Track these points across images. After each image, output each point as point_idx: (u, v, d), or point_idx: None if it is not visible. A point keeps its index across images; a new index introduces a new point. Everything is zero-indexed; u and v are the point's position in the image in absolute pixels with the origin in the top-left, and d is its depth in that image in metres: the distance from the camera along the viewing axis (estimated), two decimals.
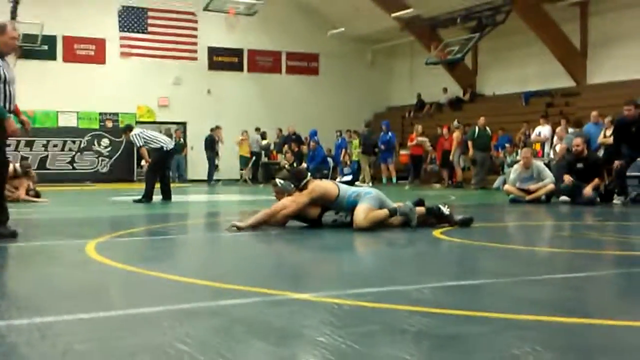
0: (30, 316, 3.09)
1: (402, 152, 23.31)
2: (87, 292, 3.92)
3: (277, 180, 7.56)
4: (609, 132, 13.44)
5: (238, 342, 2.62)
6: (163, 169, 12.70)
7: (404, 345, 2.58)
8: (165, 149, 12.30)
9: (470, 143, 18.67)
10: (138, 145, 12.51)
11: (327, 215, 7.39)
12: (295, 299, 3.49)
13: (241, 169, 24.43)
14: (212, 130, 23.73)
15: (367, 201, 7.08)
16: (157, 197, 12.20)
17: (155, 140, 12.34)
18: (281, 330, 2.82)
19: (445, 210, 7.48)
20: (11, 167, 12.41)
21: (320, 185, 7.31)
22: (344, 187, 7.39)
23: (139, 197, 12.13)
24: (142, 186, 12.52)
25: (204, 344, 2.58)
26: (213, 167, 23.48)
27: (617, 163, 11.73)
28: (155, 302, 3.45)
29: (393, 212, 7.08)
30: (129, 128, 12.99)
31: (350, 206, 7.13)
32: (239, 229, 6.80)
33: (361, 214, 6.93)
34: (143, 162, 13.00)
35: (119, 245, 6.16)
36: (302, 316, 3.10)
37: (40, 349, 2.52)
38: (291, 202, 7.18)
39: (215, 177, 23.74)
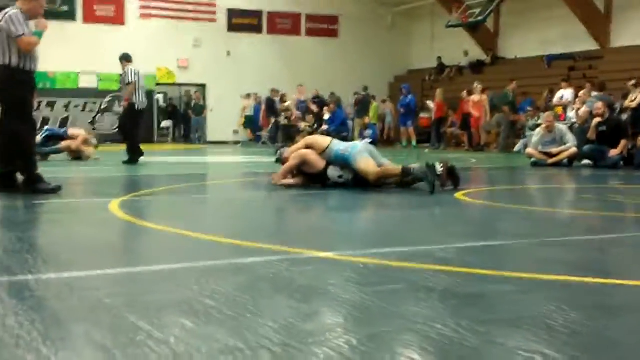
0: (58, 271, 3.12)
1: (422, 115, 23.18)
2: (113, 248, 3.96)
3: (276, 157, 7.73)
4: (633, 95, 13.28)
5: (264, 298, 2.63)
6: (137, 126, 12.15)
7: (430, 303, 2.58)
8: (137, 107, 11.87)
9: (506, 107, 18.43)
10: (128, 79, 11.84)
11: (332, 169, 7.32)
12: (319, 257, 3.50)
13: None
14: (272, 92, 23.60)
15: (363, 155, 7.13)
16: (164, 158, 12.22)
17: (138, 92, 11.82)
18: (306, 288, 2.83)
19: (439, 168, 7.35)
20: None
21: (312, 136, 7.49)
22: (335, 141, 7.48)
23: (127, 159, 11.77)
24: (163, 147, 12.59)
25: (230, 299, 2.59)
26: (276, 129, 23.21)
27: None
28: (180, 259, 3.48)
29: (407, 172, 7.04)
30: (126, 58, 12.25)
31: (338, 160, 7.21)
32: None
33: (370, 168, 7.02)
34: (123, 103, 12.32)
35: (142, 204, 6.20)
36: (327, 274, 3.11)
37: (69, 303, 2.55)
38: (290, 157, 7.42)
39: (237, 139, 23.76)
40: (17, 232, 4.26)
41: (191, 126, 25.51)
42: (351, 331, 2.24)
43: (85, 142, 12.96)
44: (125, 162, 11.67)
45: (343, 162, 7.22)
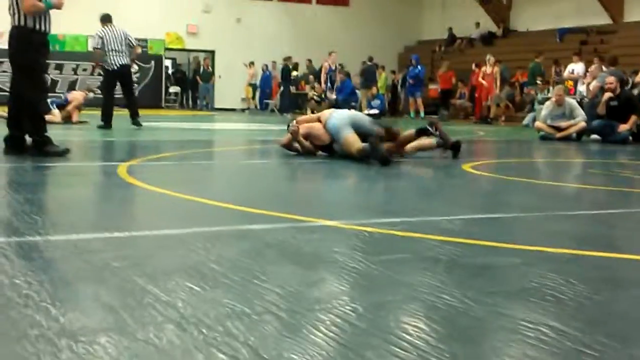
0: (67, 233, 3.14)
1: (431, 86, 23.08)
2: (121, 212, 3.98)
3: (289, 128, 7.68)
4: None
5: (270, 265, 2.64)
6: (110, 89, 11.82)
7: (436, 273, 2.58)
8: (109, 69, 11.52)
9: (540, 78, 18.24)
10: (93, 45, 11.53)
11: (336, 144, 7.32)
12: (326, 225, 3.51)
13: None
14: (285, 60, 23.44)
15: (345, 132, 6.99)
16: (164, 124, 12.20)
17: (110, 54, 11.39)
18: (312, 255, 2.84)
19: (433, 131, 7.41)
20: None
21: (326, 110, 7.48)
22: (336, 113, 7.32)
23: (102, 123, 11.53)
24: (170, 112, 12.57)
25: (236, 265, 2.60)
26: (287, 98, 23.10)
27: None
28: (187, 224, 3.49)
29: (362, 152, 6.82)
30: (102, 19, 11.71)
31: (332, 135, 7.09)
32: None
33: (351, 146, 6.89)
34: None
35: (149, 169, 6.21)
36: (333, 242, 3.11)
37: (77, 265, 2.56)
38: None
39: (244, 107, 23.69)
40: (26, 194, 4.27)
41: (199, 92, 25.47)
42: (357, 299, 2.25)
43: (79, 106, 12.94)
44: (99, 127, 11.38)
45: (333, 132, 7.11)
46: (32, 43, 6.37)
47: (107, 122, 11.46)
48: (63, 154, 6.47)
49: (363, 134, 6.99)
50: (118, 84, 11.85)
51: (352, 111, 7.55)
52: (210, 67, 25.19)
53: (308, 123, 7.36)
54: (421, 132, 7.33)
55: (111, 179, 5.21)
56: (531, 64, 18.95)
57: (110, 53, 11.41)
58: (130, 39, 11.62)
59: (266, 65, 25.02)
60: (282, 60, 23.72)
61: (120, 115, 12.22)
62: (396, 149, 7.22)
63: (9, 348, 1.71)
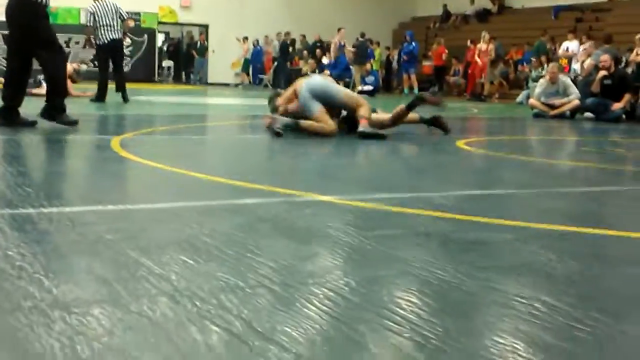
0: (60, 205, 3.13)
1: (425, 63, 23.01)
2: (114, 185, 3.97)
3: (270, 105, 7.57)
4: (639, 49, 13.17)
5: (264, 239, 2.64)
6: (105, 65, 11.73)
7: (429, 248, 2.59)
8: (100, 43, 11.50)
9: (543, 57, 18.14)
10: (86, 21, 11.50)
11: None
12: (319, 200, 3.51)
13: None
14: (284, 35, 23.30)
15: (313, 106, 6.89)
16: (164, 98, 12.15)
17: (101, 29, 11.37)
18: (306, 230, 2.84)
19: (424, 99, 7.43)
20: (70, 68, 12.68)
21: (300, 79, 7.38)
22: (310, 81, 7.19)
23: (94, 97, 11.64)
24: (162, 87, 12.54)
25: (230, 238, 2.60)
26: (284, 74, 22.93)
27: None
28: (180, 198, 3.48)
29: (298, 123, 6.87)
30: None
31: (301, 104, 6.98)
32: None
33: (321, 123, 6.86)
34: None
35: (142, 143, 6.19)
36: (326, 217, 3.11)
37: (70, 237, 2.56)
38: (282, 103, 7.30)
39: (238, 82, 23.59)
40: (18, 167, 4.26)
41: (194, 67, 25.33)
42: (350, 273, 2.25)
43: (70, 77, 12.87)
44: (91, 100, 11.46)
45: (307, 113, 6.98)
46: (38, 14, 6.40)
47: (100, 96, 11.43)
48: (74, 124, 6.71)
49: (333, 104, 6.94)
50: None
51: (327, 81, 7.33)
52: (205, 42, 25.04)
53: (287, 101, 7.26)
54: (411, 107, 7.29)
55: (104, 152, 5.19)
56: (536, 42, 18.80)
57: (102, 28, 11.35)
58: (121, 11, 11.52)
59: (257, 40, 24.89)
60: (283, 35, 23.59)
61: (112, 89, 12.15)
62: (390, 125, 7.21)
63: (2, 319, 1.71)
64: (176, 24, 26.32)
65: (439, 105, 7.46)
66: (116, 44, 11.56)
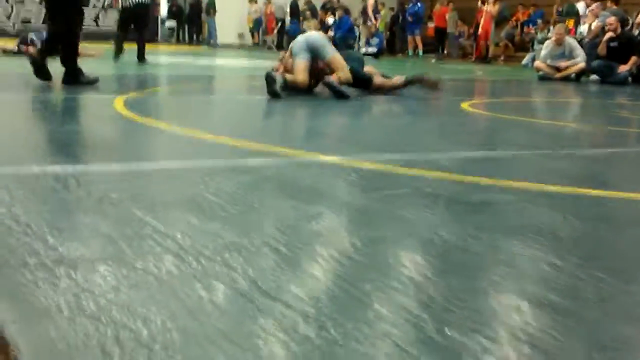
0: (64, 164, 3.12)
1: (430, 24, 22.81)
2: (118, 145, 3.96)
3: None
4: None
5: (268, 199, 2.64)
6: (124, 26, 12.03)
7: (434, 209, 2.58)
8: (125, 5, 11.74)
9: (572, 21, 17.83)
10: None
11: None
12: (324, 160, 3.50)
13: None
14: None
15: (297, 57, 7.00)
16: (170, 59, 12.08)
17: None
18: (311, 190, 2.83)
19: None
20: None
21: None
22: (300, 38, 7.30)
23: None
24: (165, 48, 12.51)
25: (235, 197, 2.60)
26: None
27: None
28: (184, 157, 3.47)
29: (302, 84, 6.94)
30: None
31: (295, 50, 7.09)
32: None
33: (298, 75, 6.92)
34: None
35: (146, 102, 6.16)
36: (332, 177, 3.10)
37: (75, 195, 2.56)
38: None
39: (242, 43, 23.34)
40: (21, 126, 4.24)
41: (208, 27, 24.95)
42: (355, 233, 2.25)
43: None
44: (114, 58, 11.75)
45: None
46: None
47: (116, 54, 11.68)
48: (94, 82, 6.94)
49: (320, 61, 7.01)
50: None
51: (326, 39, 7.42)
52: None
53: (285, 59, 7.31)
54: (409, 84, 7.45)
55: (108, 112, 5.17)
56: (566, 5, 18.43)
57: None
58: None
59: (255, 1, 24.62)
60: None
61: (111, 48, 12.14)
62: (384, 92, 7.25)
63: (8, 275, 1.71)
64: None
65: (436, 88, 7.43)
66: (140, 9, 11.66)
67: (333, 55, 7.07)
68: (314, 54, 7.00)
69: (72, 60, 6.93)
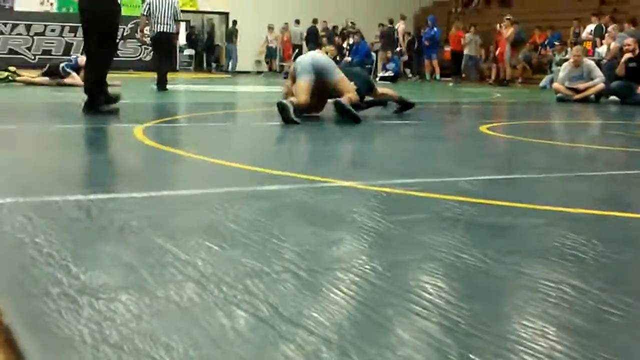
0: (85, 193, 3.14)
1: (447, 48, 22.83)
2: (138, 173, 3.98)
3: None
4: None
5: (288, 225, 2.64)
6: (161, 54, 12.20)
7: (455, 233, 2.57)
8: (150, 37, 11.93)
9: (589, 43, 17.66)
10: (141, 12, 12.02)
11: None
12: (343, 186, 3.49)
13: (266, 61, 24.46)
14: (313, 22, 23.27)
15: (300, 78, 6.98)
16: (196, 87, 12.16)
17: (153, 21, 11.69)
18: (331, 215, 2.83)
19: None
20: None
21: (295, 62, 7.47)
22: (304, 59, 7.28)
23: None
24: (184, 76, 12.65)
25: (255, 225, 2.60)
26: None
27: None
28: (204, 184, 3.49)
29: (302, 106, 6.85)
30: None
31: (299, 70, 7.08)
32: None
33: (300, 96, 6.87)
34: (139, 35, 12.63)
35: (166, 131, 6.20)
36: (351, 203, 3.10)
37: (96, 224, 2.57)
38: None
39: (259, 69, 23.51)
40: (42, 156, 4.28)
41: (227, 53, 25.16)
42: (376, 258, 2.24)
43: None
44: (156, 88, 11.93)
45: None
46: (116, 11, 7.03)
47: (159, 86, 11.82)
48: (114, 112, 7.00)
49: (326, 83, 7.02)
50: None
51: (317, 54, 7.47)
52: (235, 27, 24.96)
53: (291, 83, 7.32)
54: (403, 108, 7.80)
55: (128, 140, 5.21)
56: (595, 25, 18.28)
57: (155, 19, 11.66)
58: (177, 9, 11.82)
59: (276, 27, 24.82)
60: (311, 21, 23.57)
61: (134, 77, 12.21)
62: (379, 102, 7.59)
63: (32, 305, 1.71)
64: (196, 12, 26.30)
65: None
66: (162, 37, 11.81)
67: (341, 76, 7.11)
68: (320, 75, 6.99)
69: (95, 88, 6.96)
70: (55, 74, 12.21)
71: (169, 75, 12.40)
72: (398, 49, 21.55)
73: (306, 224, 2.66)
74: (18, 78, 12.67)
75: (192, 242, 2.31)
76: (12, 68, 13.19)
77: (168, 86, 12.05)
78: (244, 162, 4.20)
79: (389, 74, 19.77)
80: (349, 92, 6.97)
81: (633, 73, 11.44)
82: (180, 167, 4.21)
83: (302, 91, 6.87)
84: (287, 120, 6.44)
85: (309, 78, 6.93)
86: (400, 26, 21.66)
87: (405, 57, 21.56)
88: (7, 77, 12.63)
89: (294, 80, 7.18)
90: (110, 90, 7.31)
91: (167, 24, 11.70)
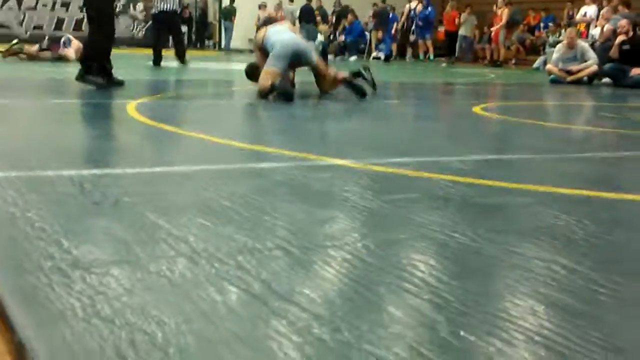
0: (78, 168, 3.13)
1: (440, 28, 22.77)
2: (131, 149, 3.97)
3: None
4: None
5: (281, 202, 2.64)
6: (160, 31, 12.42)
7: (448, 212, 2.58)
8: (153, 11, 12.18)
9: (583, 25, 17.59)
10: None
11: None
12: (336, 164, 3.49)
13: None
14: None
15: (269, 63, 6.90)
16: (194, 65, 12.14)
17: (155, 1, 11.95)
18: (323, 194, 2.83)
19: (367, 75, 7.65)
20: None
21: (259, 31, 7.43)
22: (270, 32, 7.17)
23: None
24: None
25: (247, 202, 2.60)
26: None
27: None
28: (197, 161, 3.48)
29: (271, 87, 6.71)
30: None
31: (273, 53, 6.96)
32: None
33: (263, 82, 6.82)
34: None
35: (158, 107, 6.18)
36: (344, 181, 3.10)
37: (89, 199, 2.56)
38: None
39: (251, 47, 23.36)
40: (35, 130, 4.26)
41: (224, 30, 25.03)
42: (368, 236, 2.25)
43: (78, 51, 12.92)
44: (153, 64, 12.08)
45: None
46: None
47: (154, 61, 12.06)
48: (120, 84, 7.23)
49: (303, 64, 7.11)
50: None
51: (297, 39, 7.27)
52: (234, 4, 24.77)
53: (260, 62, 7.23)
54: (356, 75, 7.53)
55: (120, 116, 5.20)
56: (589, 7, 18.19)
57: None
58: None
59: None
60: (289, 1, 23.37)
61: (125, 53, 12.18)
62: (329, 87, 7.30)
63: (23, 279, 1.71)
64: None
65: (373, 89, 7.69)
66: (164, 16, 12.05)
67: (318, 58, 7.25)
68: (298, 58, 7.01)
69: (87, 59, 7.11)
70: (55, 46, 12.28)
71: (164, 52, 12.51)
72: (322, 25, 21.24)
73: (299, 202, 2.66)
74: (25, 51, 12.62)
75: (184, 218, 2.31)
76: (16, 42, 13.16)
77: (162, 63, 12.05)
78: (238, 140, 4.19)
79: (381, 54, 19.72)
80: (328, 72, 7.10)
81: (626, 55, 11.44)
82: (173, 144, 4.20)
83: (271, 77, 6.73)
84: (286, 97, 6.45)
85: (283, 67, 6.87)
86: (418, 6, 21.40)
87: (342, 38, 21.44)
88: (17, 49, 12.62)
89: (262, 51, 7.10)
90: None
91: (170, 1, 11.79)
